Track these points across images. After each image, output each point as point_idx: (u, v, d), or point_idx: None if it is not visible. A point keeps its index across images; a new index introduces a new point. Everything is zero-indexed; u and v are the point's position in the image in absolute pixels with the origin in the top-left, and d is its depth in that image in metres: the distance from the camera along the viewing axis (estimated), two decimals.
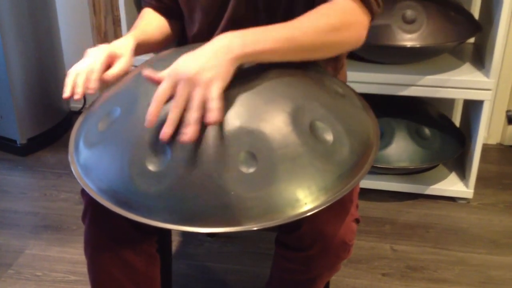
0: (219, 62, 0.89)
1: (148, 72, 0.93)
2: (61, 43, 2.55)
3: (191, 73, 0.87)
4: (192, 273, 1.78)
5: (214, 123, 0.86)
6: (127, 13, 2.04)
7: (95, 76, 1.05)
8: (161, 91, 0.88)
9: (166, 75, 0.90)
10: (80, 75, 1.04)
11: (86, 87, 1.04)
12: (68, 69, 2.89)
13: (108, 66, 1.09)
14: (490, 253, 1.87)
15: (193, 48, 1.06)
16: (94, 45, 2.51)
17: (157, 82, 0.91)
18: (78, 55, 2.83)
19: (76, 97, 1.03)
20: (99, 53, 1.08)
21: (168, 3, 1.28)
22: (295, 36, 0.97)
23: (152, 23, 1.27)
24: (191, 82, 0.87)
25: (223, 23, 1.21)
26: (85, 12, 2.55)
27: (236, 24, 1.19)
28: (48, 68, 2.46)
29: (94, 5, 2.52)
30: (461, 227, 1.99)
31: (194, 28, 1.26)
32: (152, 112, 0.87)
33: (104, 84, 1.08)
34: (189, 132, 0.85)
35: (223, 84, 0.89)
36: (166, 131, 0.87)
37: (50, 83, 2.49)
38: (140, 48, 1.19)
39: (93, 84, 1.05)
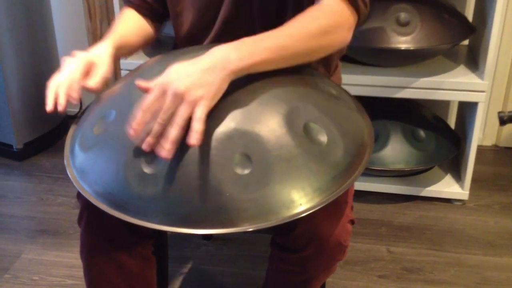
0: (213, 79, 0.88)
1: (139, 81, 0.92)
2: (56, 48, 2.56)
3: (181, 89, 0.86)
4: (188, 276, 1.78)
5: (193, 146, 0.85)
6: None
7: (75, 86, 1.04)
8: (149, 102, 0.88)
9: (157, 85, 0.89)
10: (61, 87, 1.03)
11: (68, 98, 1.04)
12: None
13: (87, 74, 1.08)
14: (486, 254, 1.87)
15: (184, 54, 1.07)
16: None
17: (147, 91, 0.90)
18: None
19: (60, 108, 1.02)
20: (76, 62, 1.07)
21: (151, 2, 1.27)
22: (288, 43, 0.97)
23: (131, 26, 1.25)
24: (180, 98, 0.86)
25: (217, 24, 1.21)
26: (80, 17, 2.55)
27: (230, 25, 1.19)
28: (43, 73, 2.46)
29: (89, 10, 2.52)
30: (457, 229, 2.00)
31: (182, 30, 1.26)
32: (138, 121, 0.87)
33: (94, 92, 1.08)
34: (166, 148, 0.86)
35: (212, 103, 0.89)
36: (149, 142, 0.88)
37: (46, 88, 2.48)
38: (118, 53, 1.17)
39: (75, 94, 1.04)
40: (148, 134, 0.88)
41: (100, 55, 1.11)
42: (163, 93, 0.87)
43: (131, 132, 0.88)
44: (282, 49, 0.96)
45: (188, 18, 1.24)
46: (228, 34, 1.20)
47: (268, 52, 0.94)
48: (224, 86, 0.90)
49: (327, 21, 1.01)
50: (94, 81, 1.06)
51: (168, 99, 0.87)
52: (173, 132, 0.86)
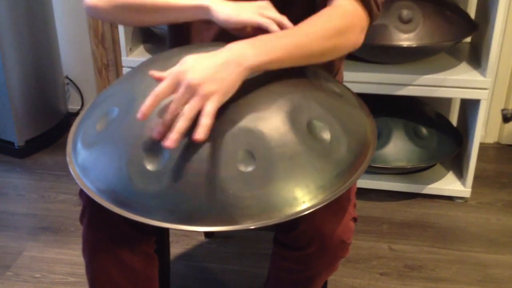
0: (228, 75, 0.89)
1: (153, 72, 0.93)
2: (58, 45, 2.55)
3: (195, 81, 0.87)
4: (190, 273, 1.78)
5: (198, 140, 0.85)
6: None
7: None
8: (161, 88, 0.88)
9: (171, 74, 0.89)
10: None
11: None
12: (66, 70, 2.86)
13: None
14: (488, 251, 1.87)
15: (187, 51, 1.06)
16: (91, 47, 2.52)
17: (160, 80, 0.90)
18: (75, 57, 2.82)
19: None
20: None
21: None
22: (304, 43, 0.97)
23: None
24: (192, 90, 0.87)
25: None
26: (82, 14, 2.55)
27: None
28: (45, 70, 2.46)
29: None
30: (459, 226, 2.00)
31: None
32: (147, 105, 0.87)
33: None
34: (171, 139, 0.85)
35: (223, 99, 0.89)
36: (158, 130, 0.87)
37: (47, 85, 2.48)
38: None
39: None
40: (157, 123, 0.88)
41: None
42: (177, 82, 0.88)
43: (139, 115, 0.87)
44: (298, 48, 0.97)
45: None
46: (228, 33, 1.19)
47: (284, 50, 0.95)
48: (238, 83, 0.90)
49: (342, 22, 1.02)
50: None
51: (181, 90, 0.87)
52: (181, 123, 0.85)
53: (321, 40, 0.99)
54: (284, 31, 0.99)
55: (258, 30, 1.01)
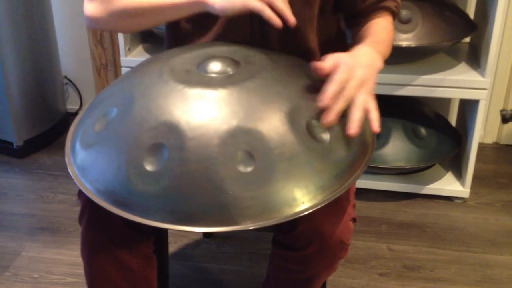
0: (373, 76, 0.98)
1: (315, 63, 0.97)
2: (57, 45, 2.55)
3: (363, 77, 0.95)
4: (189, 273, 1.78)
5: (376, 132, 0.93)
6: None
7: None
8: (339, 80, 0.93)
9: (345, 66, 0.94)
10: None
11: None
12: (64, 70, 2.85)
13: None
14: (487, 252, 1.87)
15: (187, 52, 1.06)
16: (90, 47, 2.52)
17: (320, 70, 0.96)
18: (74, 57, 2.81)
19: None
20: None
21: None
22: (384, 50, 1.12)
23: None
24: (361, 85, 0.94)
25: (218, 24, 1.20)
26: (81, 14, 2.54)
27: (231, 23, 1.19)
28: (44, 70, 2.46)
29: None
30: (458, 226, 2.00)
31: (181, 26, 1.25)
32: (329, 95, 0.92)
33: None
34: (355, 127, 0.91)
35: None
36: (330, 120, 0.91)
37: (46, 85, 2.48)
38: None
39: None
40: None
41: None
42: (349, 74, 0.94)
43: (322, 103, 0.92)
44: (384, 55, 1.10)
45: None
46: (228, 33, 1.20)
47: (383, 58, 1.08)
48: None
49: (393, 35, 1.19)
50: None
51: (353, 83, 0.93)
52: (358, 113, 0.92)
53: (389, 48, 1.15)
54: (371, 39, 1.12)
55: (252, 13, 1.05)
